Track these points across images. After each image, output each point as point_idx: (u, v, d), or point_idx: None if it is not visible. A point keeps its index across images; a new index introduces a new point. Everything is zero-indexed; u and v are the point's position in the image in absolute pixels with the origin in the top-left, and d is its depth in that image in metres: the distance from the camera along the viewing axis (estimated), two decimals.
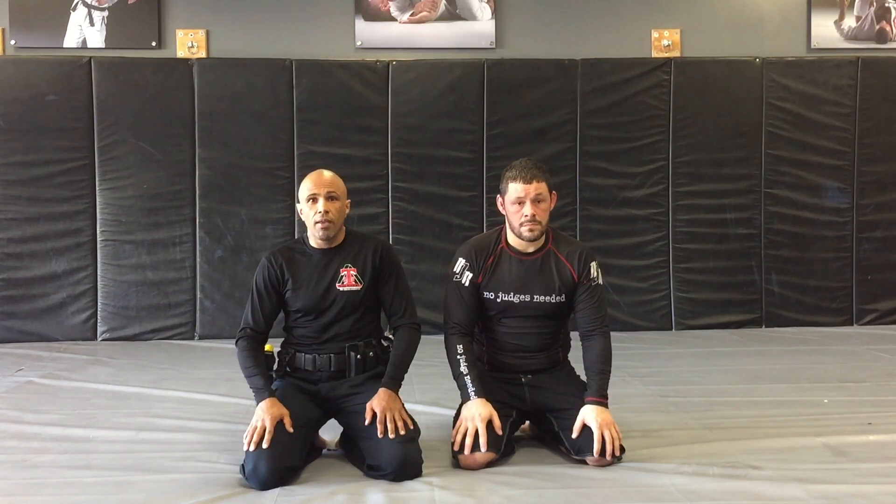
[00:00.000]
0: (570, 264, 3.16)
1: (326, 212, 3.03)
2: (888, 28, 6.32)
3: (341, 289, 3.09)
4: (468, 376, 3.06)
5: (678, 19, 6.24)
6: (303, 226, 5.77)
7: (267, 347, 3.15)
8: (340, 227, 3.13)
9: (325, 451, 3.20)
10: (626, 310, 6.05)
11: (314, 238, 3.13)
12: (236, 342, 3.12)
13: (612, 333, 3.20)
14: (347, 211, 3.15)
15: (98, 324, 5.86)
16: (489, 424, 2.96)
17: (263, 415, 2.88)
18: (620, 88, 6.07)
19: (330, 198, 3.05)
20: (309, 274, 3.10)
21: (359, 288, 3.10)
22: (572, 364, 3.34)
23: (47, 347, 5.55)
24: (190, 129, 5.91)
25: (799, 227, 6.17)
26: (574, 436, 2.99)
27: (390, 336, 3.24)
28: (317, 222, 3.05)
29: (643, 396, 4.10)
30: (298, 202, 3.13)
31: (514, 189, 3.07)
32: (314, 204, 3.05)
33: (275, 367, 3.14)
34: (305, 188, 3.08)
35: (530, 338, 3.20)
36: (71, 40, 6.00)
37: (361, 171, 5.90)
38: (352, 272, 3.10)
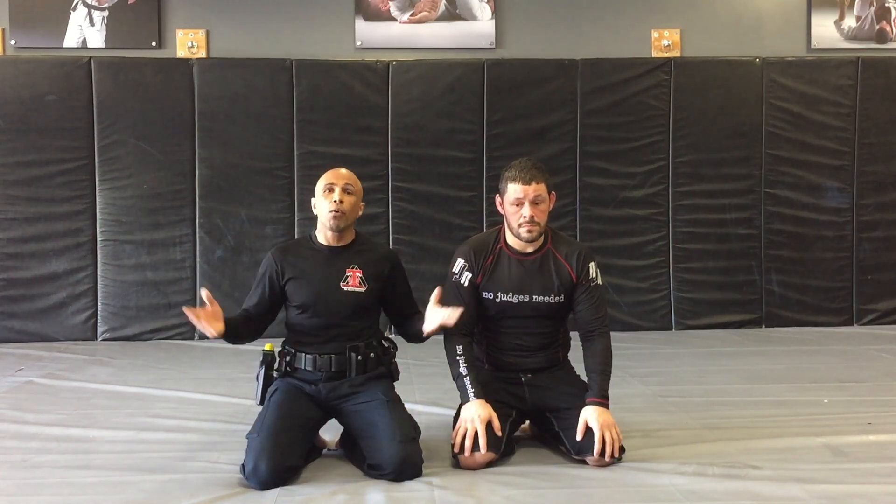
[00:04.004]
0: (568, 265, 3.16)
1: (341, 202, 3.05)
2: (888, 28, 6.32)
3: (345, 289, 3.09)
4: (467, 377, 3.06)
5: (678, 19, 6.24)
6: (302, 226, 5.84)
7: (267, 347, 3.16)
8: (351, 224, 3.14)
9: (325, 451, 3.20)
10: (626, 310, 6.05)
11: (323, 233, 3.14)
12: None
13: (612, 333, 3.20)
14: (360, 212, 3.17)
15: (98, 324, 5.86)
16: (489, 425, 2.96)
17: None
18: (620, 88, 6.07)
19: (346, 191, 3.08)
20: (314, 270, 3.11)
21: (363, 290, 3.10)
22: (572, 364, 3.34)
23: (47, 347, 5.54)
24: (190, 129, 5.91)
25: (799, 227, 6.17)
26: (578, 438, 2.98)
27: (390, 336, 3.25)
28: (330, 211, 3.06)
29: (643, 396, 4.10)
30: (314, 197, 3.15)
31: (513, 190, 3.07)
32: (330, 194, 3.07)
33: (275, 366, 3.14)
34: (323, 180, 3.12)
35: (530, 337, 3.20)
36: (71, 40, 6.00)
37: (361, 171, 5.74)
38: (357, 274, 3.11)
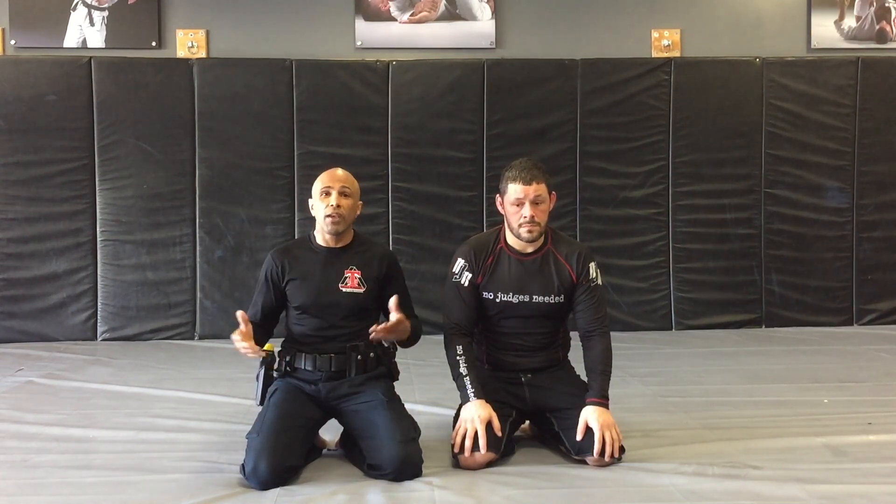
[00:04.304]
0: (568, 265, 3.16)
1: (338, 206, 3.04)
2: (888, 28, 6.32)
3: (344, 290, 3.09)
4: (467, 377, 3.06)
5: (678, 19, 6.24)
6: (302, 226, 5.84)
7: (267, 346, 3.15)
8: (349, 226, 3.14)
9: (325, 451, 3.20)
10: (626, 310, 6.05)
11: (321, 235, 3.14)
12: None
13: (612, 333, 3.20)
14: (358, 212, 3.17)
15: (98, 324, 5.86)
16: (489, 425, 2.96)
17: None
18: (620, 88, 6.07)
19: (343, 193, 3.07)
20: (312, 271, 3.11)
21: (361, 291, 3.10)
22: (572, 364, 3.34)
23: (47, 347, 5.54)
24: (190, 129, 5.91)
25: (799, 227, 6.17)
26: (578, 438, 2.99)
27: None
28: (327, 216, 3.05)
29: (643, 396, 4.10)
30: (311, 198, 3.14)
31: (514, 190, 3.07)
32: (326, 197, 3.06)
33: (275, 366, 3.14)
34: (320, 182, 3.10)
35: (530, 337, 3.21)
36: (71, 40, 6.00)
37: (361, 171, 5.82)
38: (356, 275, 3.11)
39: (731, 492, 2.77)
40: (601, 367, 3.09)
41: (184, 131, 5.90)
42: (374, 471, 2.89)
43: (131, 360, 5.13)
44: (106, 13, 6.01)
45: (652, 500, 2.71)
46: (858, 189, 6.19)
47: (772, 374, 4.64)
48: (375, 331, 2.97)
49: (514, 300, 3.14)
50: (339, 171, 3.15)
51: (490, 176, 5.92)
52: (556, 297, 3.15)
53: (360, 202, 3.19)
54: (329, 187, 3.07)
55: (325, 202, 3.06)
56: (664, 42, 6.19)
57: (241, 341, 2.90)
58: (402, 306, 3.23)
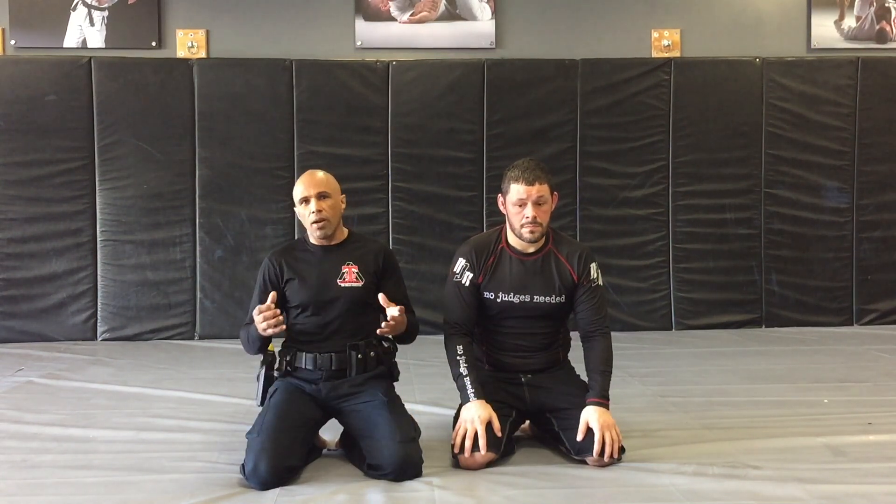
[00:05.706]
0: (569, 265, 3.16)
1: (320, 210, 3.05)
2: (888, 28, 6.32)
3: (343, 285, 3.10)
4: (468, 378, 3.06)
5: (678, 19, 6.24)
6: (302, 226, 5.82)
7: (268, 347, 3.15)
8: (338, 224, 3.14)
9: (325, 451, 3.20)
10: (626, 310, 6.05)
11: (313, 237, 3.14)
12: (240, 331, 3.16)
13: (613, 333, 3.21)
14: (343, 206, 3.16)
15: (98, 324, 5.86)
16: (489, 426, 2.96)
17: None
18: (620, 88, 6.07)
19: (321, 197, 3.07)
20: (310, 270, 3.12)
21: (360, 285, 3.11)
22: (572, 364, 3.35)
23: (47, 347, 5.54)
24: (190, 129, 5.91)
25: (799, 227, 6.17)
26: (579, 438, 2.98)
27: (390, 336, 3.25)
28: (313, 222, 3.07)
29: (643, 396, 4.10)
30: (296, 205, 3.15)
31: (516, 190, 3.07)
32: (307, 205, 3.08)
33: (275, 366, 3.14)
34: (297, 191, 3.11)
35: (530, 338, 3.21)
36: (71, 40, 6.00)
37: (361, 171, 5.90)
38: (353, 269, 3.11)
39: (731, 492, 2.77)
40: (602, 367, 3.09)
41: (184, 131, 5.90)
42: (374, 471, 2.89)
43: (131, 360, 5.14)
44: (106, 13, 6.01)
45: (652, 500, 2.71)
46: (858, 189, 6.19)
47: (772, 374, 4.64)
48: (385, 326, 2.96)
49: (515, 300, 3.14)
50: (318, 175, 3.13)
51: (490, 176, 5.92)
52: (557, 298, 3.15)
53: (343, 195, 3.18)
54: (307, 196, 3.07)
55: (307, 210, 3.07)
56: (664, 42, 6.19)
57: (268, 314, 2.87)
58: (398, 302, 3.22)
